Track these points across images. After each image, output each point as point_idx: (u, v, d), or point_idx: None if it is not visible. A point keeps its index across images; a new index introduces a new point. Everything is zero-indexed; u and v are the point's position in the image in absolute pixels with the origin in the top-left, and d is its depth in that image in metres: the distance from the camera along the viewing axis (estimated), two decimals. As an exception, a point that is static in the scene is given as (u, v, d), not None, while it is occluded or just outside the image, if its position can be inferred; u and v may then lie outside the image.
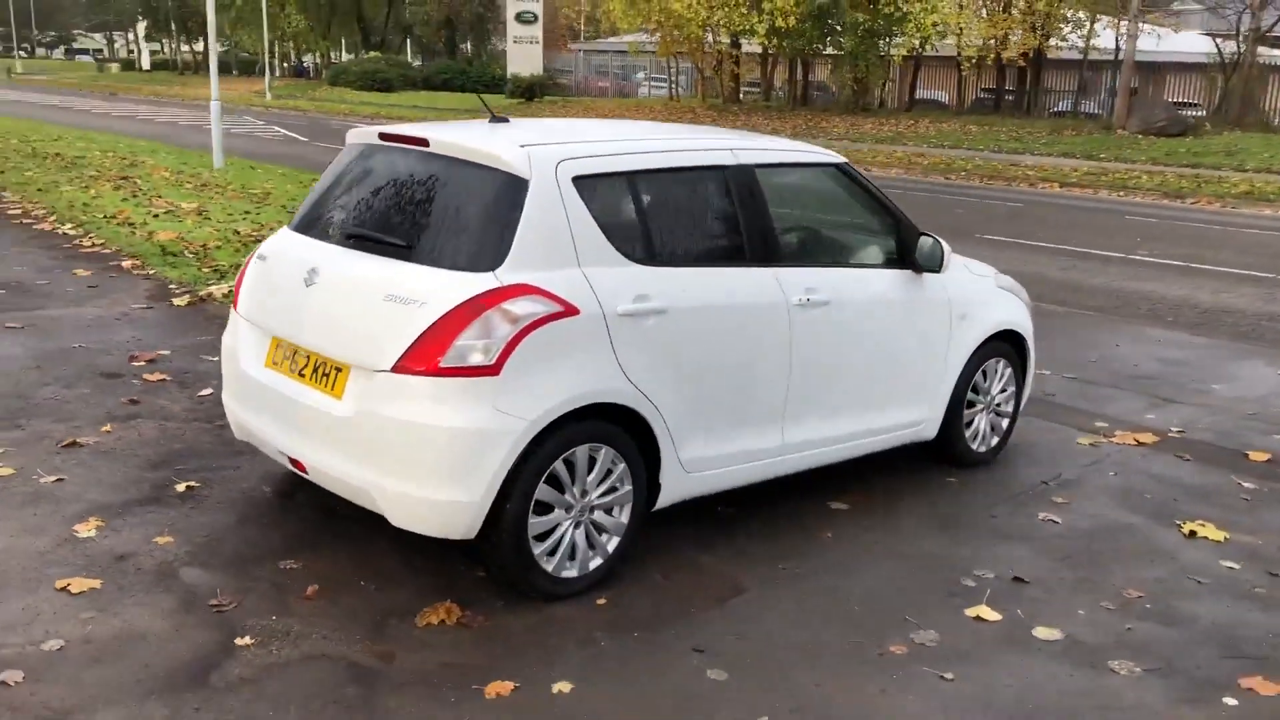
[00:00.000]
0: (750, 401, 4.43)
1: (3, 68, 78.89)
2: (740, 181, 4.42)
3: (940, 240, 4.99)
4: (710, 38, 37.79)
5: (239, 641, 3.56)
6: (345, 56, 69.57)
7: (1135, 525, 4.94)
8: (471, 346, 3.62)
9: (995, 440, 5.68)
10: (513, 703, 3.30)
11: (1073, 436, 6.14)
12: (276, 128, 32.33)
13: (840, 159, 4.96)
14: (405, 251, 3.89)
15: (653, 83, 51.31)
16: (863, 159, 25.22)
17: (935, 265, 4.95)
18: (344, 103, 47.99)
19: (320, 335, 3.98)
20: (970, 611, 4.01)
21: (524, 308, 3.70)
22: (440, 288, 3.71)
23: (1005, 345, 5.56)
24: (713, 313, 4.23)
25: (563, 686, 3.39)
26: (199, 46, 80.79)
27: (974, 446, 5.55)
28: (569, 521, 3.93)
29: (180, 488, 4.76)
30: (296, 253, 4.25)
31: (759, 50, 38.62)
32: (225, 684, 3.32)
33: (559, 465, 3.83)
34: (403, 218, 4.05)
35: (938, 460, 5.52)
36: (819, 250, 4.91)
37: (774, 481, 4.97)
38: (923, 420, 5.21)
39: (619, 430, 3.98)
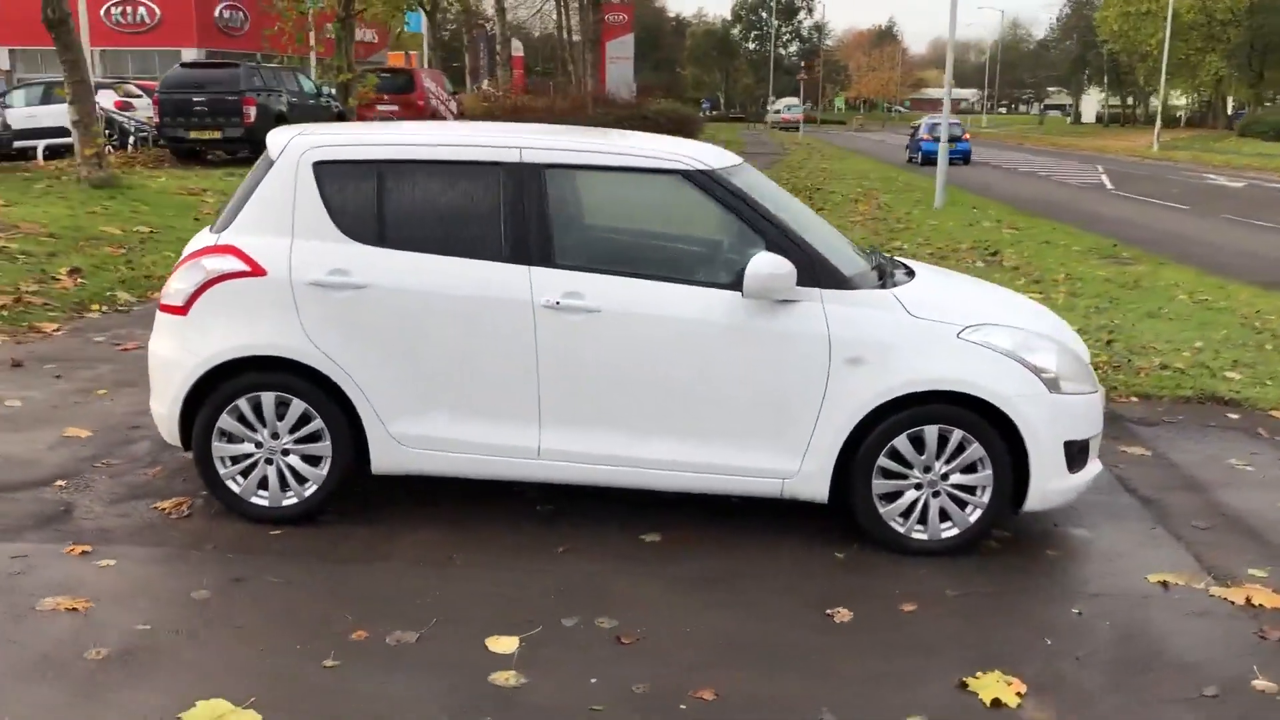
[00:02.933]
0: (487, 395, 4.47)
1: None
2: (518, 180, 4.46)
3: (786, 261, 4.26)
4: None
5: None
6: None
7: (929, 661, 3.72)
8: (175, 290, 4.53)
9: (952, 531, 4.50)
10: (30, 561, 4.19)
11: (1147, 570, 4.46)
12: (1104, 178, 31.63)
13: (692, 166, 4.50)
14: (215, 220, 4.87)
15: None
16: None
17: (750, 288, 4.27)
18: (1227, 154, 44.44)
19: None
20: (489, 640, 3.69)
21: (215, 264, 4.47)
22: (193, 244, 4.65)
23: (960, 411, 4.38)
24: (430, 298, 4.41)
25: (107, 562, 4.18)
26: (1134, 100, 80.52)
27: (902, 529, 4.49)
28: (260, 457, 4.55)
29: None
30: None
31: None
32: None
33: (243, 404, 4.49)
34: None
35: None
36: (614, 258, 4.55)
37: (623, 495, 4.79)
38: (790, 473, 4.45)
39: (310, 388, 4.46)
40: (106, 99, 23.29)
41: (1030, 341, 4.51)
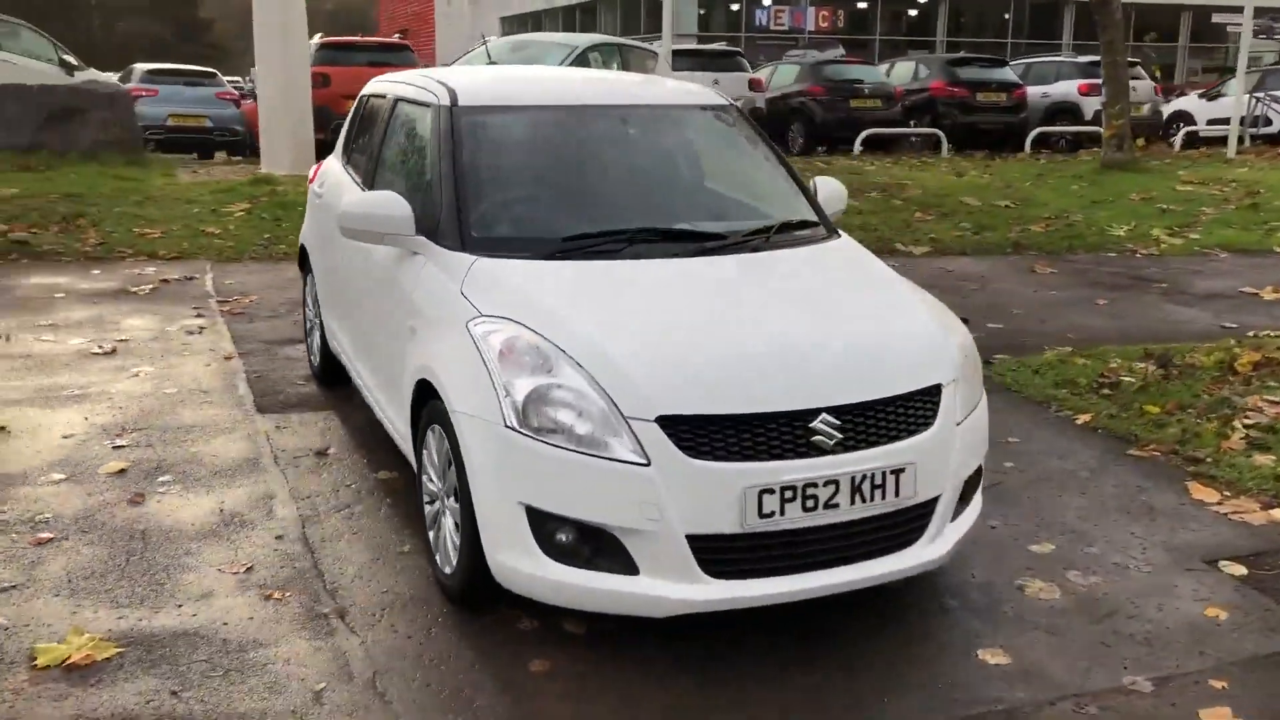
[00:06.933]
0: (341, 300, 4.93)
1: None
2: (384, 113, 4.77)
3: (393, 202, 3.80)
4: None
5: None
6: None
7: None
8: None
9: (449, 569, 3.47)
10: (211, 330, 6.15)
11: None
12: None
13: (436, 101, 4.12)
14: None
15: None
16: None
17: (340, 222, 3.93)
18: None
19: None
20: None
21: (311, 172, 5.78)
22: None
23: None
24: (331, 211, 5.04)
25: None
26: None
27: (432, 543, 3.64)
28: (310, 324, 5.76)
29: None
30: None
31: None
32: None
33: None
34: None
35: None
36: (387, 185, 4.32)
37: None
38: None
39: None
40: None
41: (537, 356, 3.11)
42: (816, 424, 3.02)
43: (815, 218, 4.14)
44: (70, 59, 15.60)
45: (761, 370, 3.09)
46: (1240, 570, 3.81)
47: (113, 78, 16.49)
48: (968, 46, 34.24)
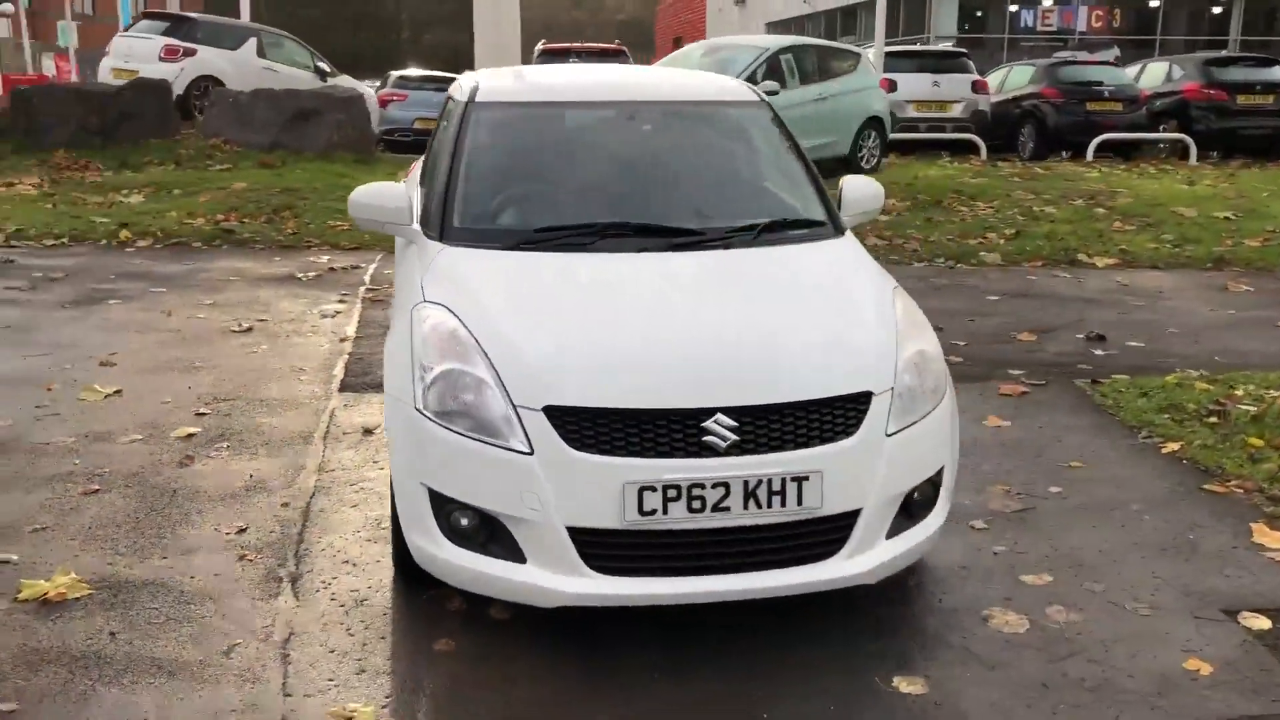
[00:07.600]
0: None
1: None
2: (443, 105, 4.98)
3: (395, 193, 4.00)
4: None
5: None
6: None
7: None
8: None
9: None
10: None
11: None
12: None
13: (459, 96, 4.25)
14: None
15: None
16: None
17: (350, 210, 4.07)
18: None
19: None
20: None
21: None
22: None
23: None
24: None
25: (335, 307, 6.43)
26: None
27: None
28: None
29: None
30: None
31: None
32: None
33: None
34: None
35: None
36: (428, 173, 4.53)
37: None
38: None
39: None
40: None
41: (453, 342, 3.19)
42: (709, 424, 2.94)
43: (822, 217, 3.99)
44: (324, 65, 16.99)
45: (662, 366, 3.04)
46: (1263, 625, 3.38)
47: (360, 84, 17.72)
48: (1276, 47, 31.21)
